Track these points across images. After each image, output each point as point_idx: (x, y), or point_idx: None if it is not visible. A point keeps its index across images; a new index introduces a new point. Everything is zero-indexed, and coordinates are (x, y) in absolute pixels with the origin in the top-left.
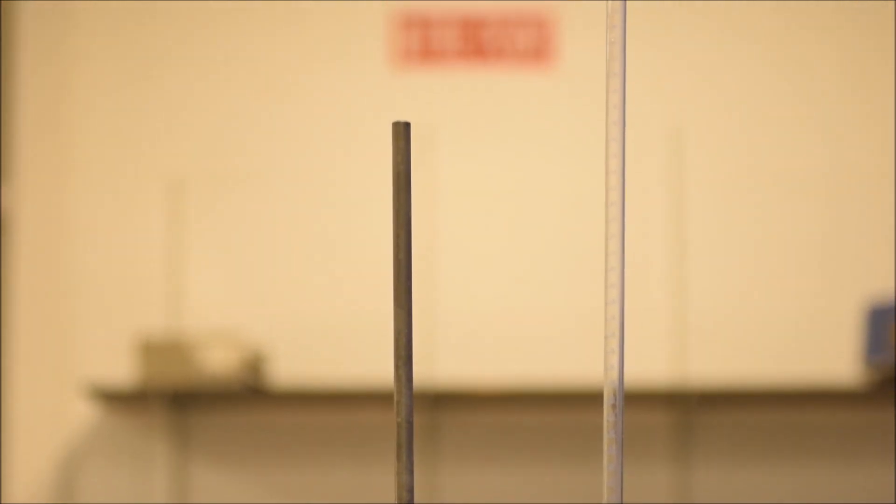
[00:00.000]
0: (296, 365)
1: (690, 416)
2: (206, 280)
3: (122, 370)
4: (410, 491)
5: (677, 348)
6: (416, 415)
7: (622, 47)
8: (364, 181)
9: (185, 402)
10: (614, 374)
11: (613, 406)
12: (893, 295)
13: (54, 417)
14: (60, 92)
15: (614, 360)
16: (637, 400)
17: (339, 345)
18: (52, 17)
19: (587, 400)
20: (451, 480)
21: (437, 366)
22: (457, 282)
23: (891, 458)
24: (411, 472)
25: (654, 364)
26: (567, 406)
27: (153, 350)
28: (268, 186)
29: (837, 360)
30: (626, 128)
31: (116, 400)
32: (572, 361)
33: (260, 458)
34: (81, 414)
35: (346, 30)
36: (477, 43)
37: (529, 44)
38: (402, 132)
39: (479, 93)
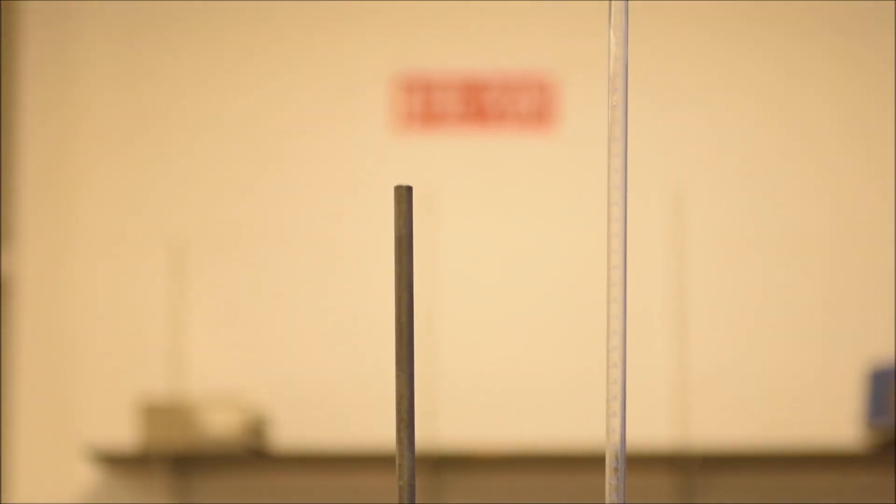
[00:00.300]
0: (298, 428)
1: (692, 478)
2: (208, 342)
3: (123, 433)
4: None
5: (679, 411)
6: (417, 478)
7: (624, 111)
8: (366, 244)
9: (187, 465)
10: (616, 437)
11: (615, 469)
12: (894, 358)
13: (56, 480)
14: (62, 154)
15: (616, 422)
16: (639, 462)
17: (341, 408)
18: (54, 77)
19: (589, 462)
20: None
21: (438, 428)
22: (458, 344)
23: None
24: None
25: (656, 426)
26: (569, 469)
27: (155, 413)
28: (269, 249)
29: (839, 422)
30: (628, 191)
31: (118, 463)
32: (574, 424)
33: None
34: (83, 477)
35: (349, 93)
36: (479, 106)
37: (531, 107)
38: (404, 196)
39: (481, 156)
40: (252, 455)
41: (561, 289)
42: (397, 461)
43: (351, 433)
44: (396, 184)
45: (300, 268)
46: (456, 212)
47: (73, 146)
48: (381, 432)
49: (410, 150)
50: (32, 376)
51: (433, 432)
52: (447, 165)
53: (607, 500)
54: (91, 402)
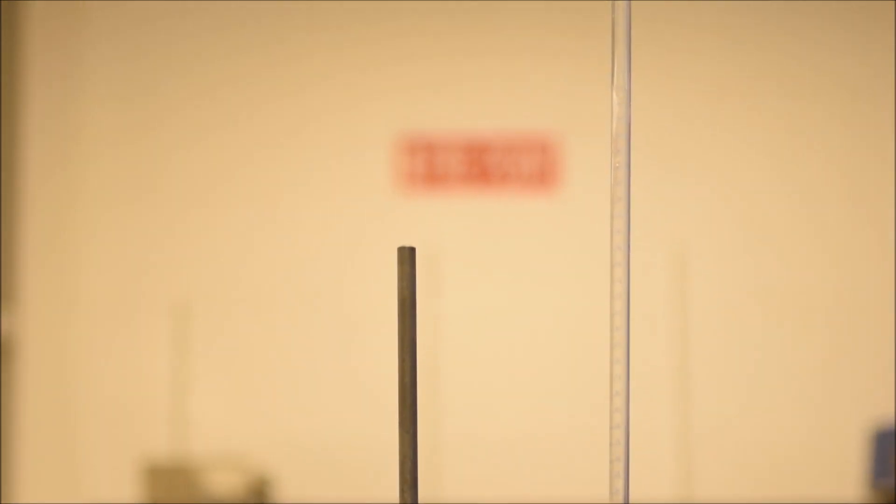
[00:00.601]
0: (301, 488)
1: None
2: (211, 404)
3: (127, 494)
4: None
5: (682, 469)
6: None
7: (626, 172)
8: (368, 304)
9: None
10: (619, 497)
11: None
12: None
13: None
14: (65, 216)
15: (619, 483)
16: None
17: (344, 468)
18: (56, 137)
19: None
20: None
21: (442, 488)
22: (462, 405)
23: None
24: None
25: (659, 486)
26: None
27: (158, 473)
28: (272, 310)
29: (842, 482)
30: (631, 250)
31: None
32: (577, 484)
33: None
34: None
35: (352, 153)
36: (481, 167)
37: (534, 168)
38: (407, 257)
39: (483, 216)
40: None
41: (564, 349)
42: None
43: (354, 494)
44: (400, 244)
45: (303, 329)
46: (459, 272)
47: (76, 207)
48: (384, 493)
49: (413, 210)
50: (36, 437)
51: (436, 492)
52: (450, 226)
53: None
54: (95, 463)
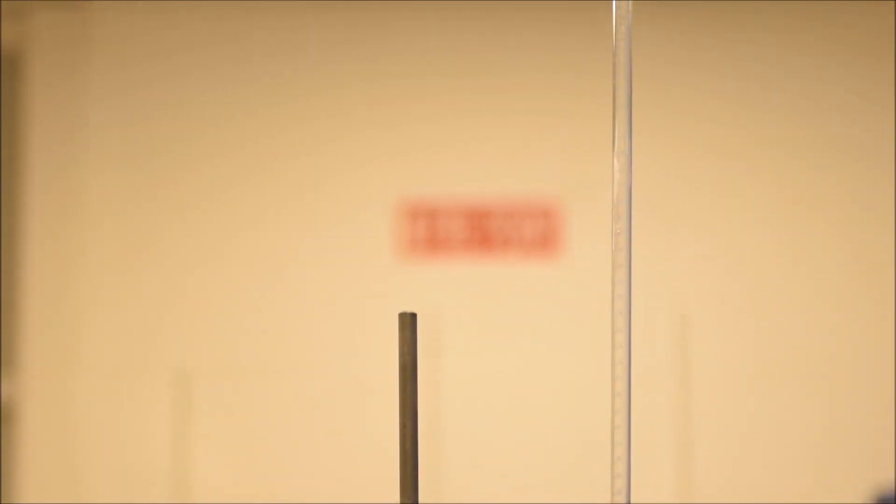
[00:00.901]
0: None
1: None
2: (213, 469)
3: None
4: None
5: None
6: None
7: (628, 237)
8: (370, 370)
9: None
10: None
11: None
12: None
13: None
14: (66, 280)
15: None
16: None
17: None
18: (58, 202)
19: None
20: None
21: None
22: (464, 471)
23: None
24: None
25: None
26: None
27: None
28: (273, 376)
29: None
30: (632, 316)
31: None
32: None
33: None
34: None
35: (354, 219)
36: (483, 232)
37: (535, 234)
38: (408, 323)
39: (485, 281)
40: None
41: (565, 414)
42: None
43: None
44: (401, 310)
45: (304, 394)
46: (461, 337)
47: (78, 271)
48: None
49: (415, 276)
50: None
51: None
52: (452, 291)
53: None
54: None
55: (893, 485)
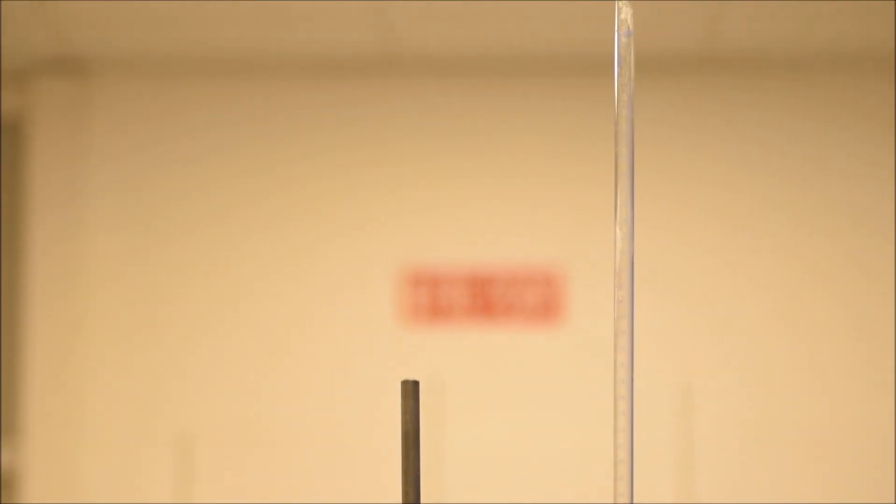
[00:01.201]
0: None
1: None
2: None
3: None
4: None
5: None
6: None
7: (630, 305)
8: (372, 437)
9: None
10: None
11: None
12: None
13: None
14: (68, 347)
15: None
16: None
17: None
18: (58, 269)
19: None
20: None
21: None
22: None
23: None
24: None
25: None
26: None
27: None
28: (275, 443)
29: None
30: (635, 384)
31: None
32: None
33: None
34: None
35: (355, 286)
36: (486, 299)
37: (537, 301)
38: (410, 391)
39: (487, 349)
40: None
41: (567, 482)
42: None
43: None
44: (403, 378)
45: (306, 462)
46: (463, 404)
47: (79, 338)
48: None
49: (417, 343)
50: None
51: None
52: (454, 358)
53: None
54: None
55: None
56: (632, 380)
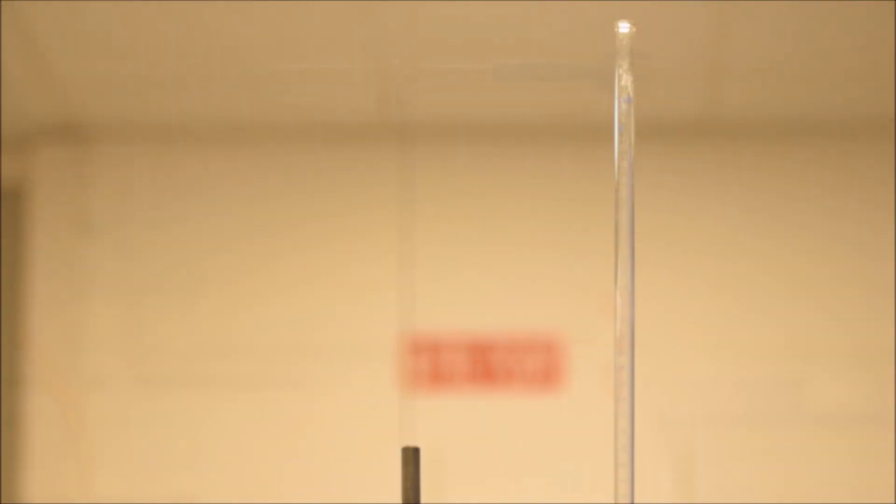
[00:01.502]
0: None
1: None
2: None
3: None
4: None
5: None
6: None
7: (630, 372)
8: None
9: None
10: None
11: None
12: None
13: None
14: (69, 417)
15: None
16: None
17: None
18: (58, 339)
19: None
20: None
21: None
22: None
23: None
24: None
25: None
26: None
27: None
28: None
29: None
30: (635, 451)
31: None
32: None
33: None
34: None
35: (356, 353)
36: (486, 366)
37: (538, 367)
38: (411, 458)
39: (488, 415)
40: None
41: None
42: None
43: None
44: (404, 444)
45: None
46: (464, 471)
47: (82, 406)
48: None
49: (418, 410)
50: None
51: None
52: (455, 425)
53: None
54: None
55: None
56: (632, 446)
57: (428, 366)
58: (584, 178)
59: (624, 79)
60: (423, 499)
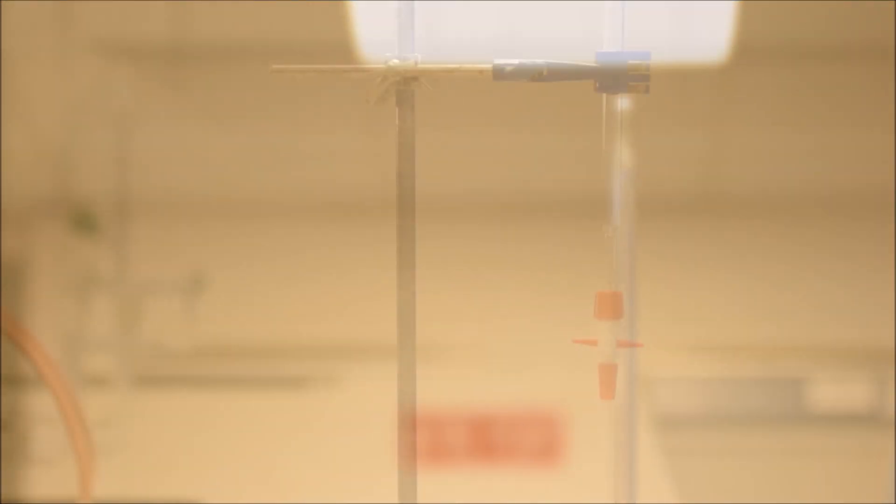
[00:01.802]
0: None
1: None
2: None
3: None
4: None
5: None
6: None
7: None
8: None
9: None
10: None
11: None
12: None
13: None
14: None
15: None
16: None
17: None
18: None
19: None
20: None
21: None
22: None
23: None
24: None
25: None
26: None
27: None
28: None
29: None
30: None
31: None
32: None
33: None
34: None
35: (356, 428)
36: (486, 442)
37: (538, 444)
38: None
39: (488, 491)
40: None
41: None
42: None
43: None
44: None
45: None
46: None
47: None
48: None
49: (418, 486)
50: None
51: None
52: (455, 501)
53: None
54: None
55: None
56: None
57: (427, 441)
58: (583, 252)
59: (624, 153)
60: None
